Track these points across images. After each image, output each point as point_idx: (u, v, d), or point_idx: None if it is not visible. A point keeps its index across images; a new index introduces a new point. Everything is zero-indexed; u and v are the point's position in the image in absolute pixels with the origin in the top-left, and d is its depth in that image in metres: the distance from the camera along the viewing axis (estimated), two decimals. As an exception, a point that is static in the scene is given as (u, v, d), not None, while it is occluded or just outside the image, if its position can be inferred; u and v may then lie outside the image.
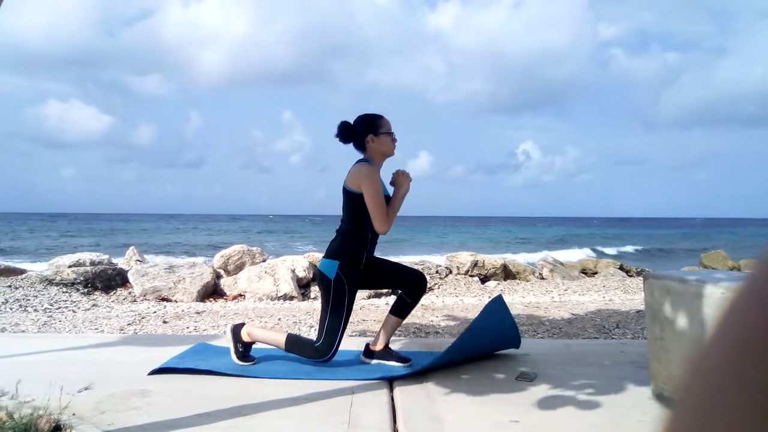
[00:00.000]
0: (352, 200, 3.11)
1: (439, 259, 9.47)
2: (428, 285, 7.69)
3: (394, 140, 3.20)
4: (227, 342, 3.32)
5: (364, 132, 3.15)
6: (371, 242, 3.18)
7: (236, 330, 3.29)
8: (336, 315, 3.12)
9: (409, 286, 3.29)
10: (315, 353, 3.15)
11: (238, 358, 3.23)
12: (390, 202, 3.15)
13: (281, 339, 3.22)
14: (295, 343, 3.22)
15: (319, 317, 3.24)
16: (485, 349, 3.46)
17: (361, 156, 3.20)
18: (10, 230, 34.63)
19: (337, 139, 3.20)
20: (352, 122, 3.21)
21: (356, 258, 3.15)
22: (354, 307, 5.13)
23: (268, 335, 3.28)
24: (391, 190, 3.22)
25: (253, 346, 3.31)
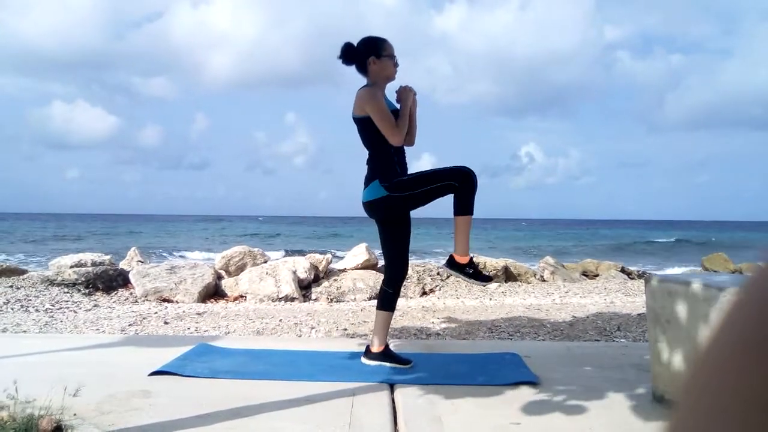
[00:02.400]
0: (363, 126, 3.17)
1: (440, 261, 9.45)
2: (429, 287, 7.69)
3: (395, 64, 3.26)
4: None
5: (367, 54, 3.20)
6: (397, 156, 3.21)
7: (451, 260, 3.25)
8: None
9: (390, 273, 3.32)
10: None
11: (474, 276, 3.21)
12: (398, 116, 3.19)
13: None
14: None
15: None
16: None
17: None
18: (12, 230, 34.67)
19: (340, 60, 3.24)
20: (355, 44, 3.24)
21: (390, 170, 3.17)
22: (351, 307, 5.13)
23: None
24: (399, 107, 3.26)
25: (247, 345, 3.30)
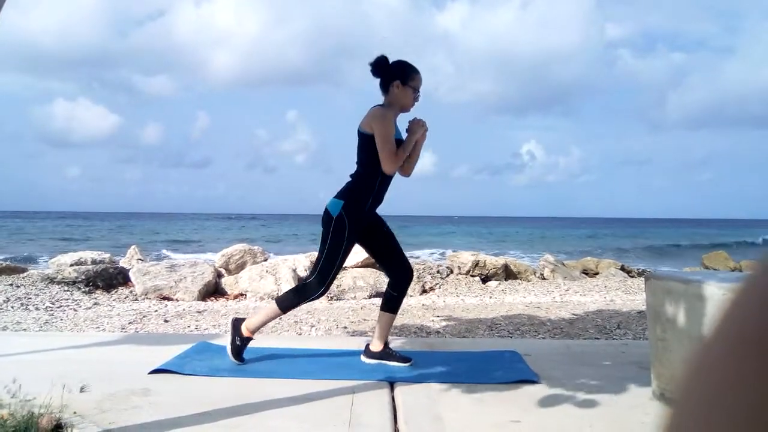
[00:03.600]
0: (365, 142, 3.16)
1: (439, 259, 9.46)
2: (429, 285, 7.69)
3: (416, 98, 3.25)
4: (228, 335, 3.31)
5: (395, 76, 3.20)
6: (380, 186, 3.20)
7: (237, 323, 3.29)
8: (331, 255, 3.14)
9: (395, 275, 3.33)
10: (305, 291, 3.18)
11: (233, 352, 3.22)
12: (401, 144, 3.18)
13: (273, 308, 3.23)
14: (286, 299, 3.24)
15: (316, 255, 3.26)
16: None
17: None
18: (13, 228, 34.69)
19: (370, 68, 3.24)
20: (390, 62, 3.24)
21: (362, 200, 3.18)
22: (351, 305, 5.14)
23: (260, 316, 3.28)
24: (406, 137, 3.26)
25: (256, 341, 3.31)
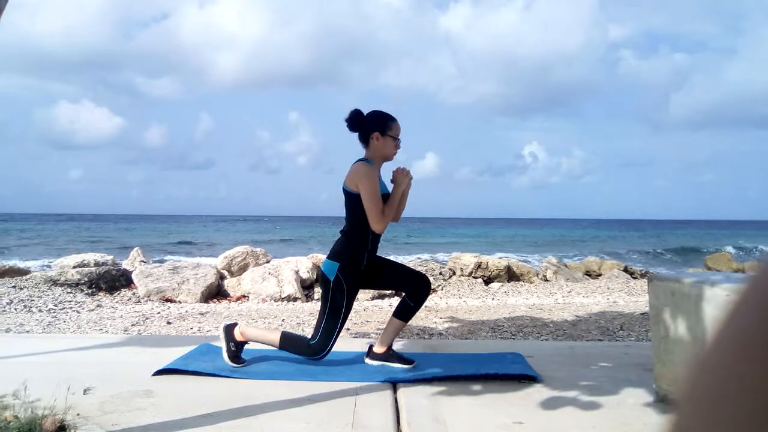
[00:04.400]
0: (351, 200, 3.11)
1: (442, 261, 9.46)
2: (432, 286, 7.69)
3: (397, 146, 3.19)
4: (220, 342, 3.31)
5: (372, 128, 3.15)
6: (372, 242, 3.18)
7: (229, 329, 3.28)
8: (333, 316, 3.12)
9: (412, 289, 3.28)
10: (309, 351, 3.15)
11: (229, 357, 3.21)
12: (388, 200, 3.14)
13: (275, 337, 3.21)
14: (289, 341, 3.22)
15: (317, 317, 3.23)
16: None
17: (362, 154, 3.20)
18: (16, 231, 34.77)
19: (346, 124, 3.20)
20: (365, 113, 3.20)
21: (357, 259, 3.15)
22: (354, 307, 5.11)
23: (261, 334, 3.28)
24: (391, 188, 3.21)
25: (248, 346, 3.30)
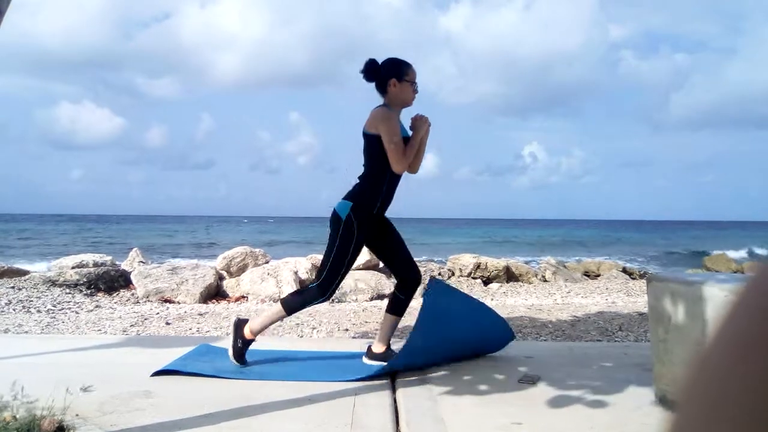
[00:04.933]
0: (371, 144, 3.15)
1: (441, 261, 9.46)
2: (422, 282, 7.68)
3: (415, 90, 3.24)
4: (229, 337, 3.31)
5: (389, 75, 3.18)
6: (388, 186, 3.20)
7: (240, 324, 3.28)
8: (340, 256, 3.14)
9: (403, 278, 3.31)
10: (315, 293, 3.17)
11: (234, 354, 3.21)
12: (408, 143, 3.17)
13: (278, 309, 3.22)
14: (292, 302, 3.23)
15: (322, 258, 3.25)
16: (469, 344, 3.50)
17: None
18: (16, 231, 34.72)
19: (362, 75, 3.23)
20: (380, 63, 3.23)
21: (370, 201, 3.18)
22: (354, 307, 5.09)
23: (265, 318, 3.27)
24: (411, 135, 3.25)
25: (259, 343, 3.31)
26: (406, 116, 3.29)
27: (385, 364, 3.22)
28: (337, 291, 3.19)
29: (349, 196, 3.19)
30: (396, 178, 3.21)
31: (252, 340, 3.26)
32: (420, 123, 3.23)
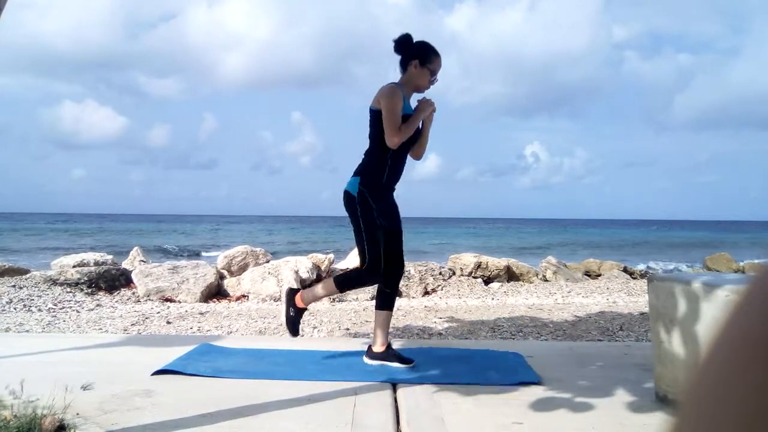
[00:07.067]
0: (374, 118, 3.18)
1: (442, 261, 9.45)
2: (431, 287, 7.68)
3: (432, 81, 3.27)
4: (283, 303, 3.36)
5: (415, 55, 3.23)
6: (393, 160, 3.21)
7: (291, 294, 3.33)
8: (372, 230, 3.14)
9: (386, 270, 3.23)
10: (367, 275, 3.20)
11: (287, 323, 3.26)
12: (408, 120, 3.19)
13: (330, 285, 3.25)
14: (345, 282, 3.28)
15: (357, 247, 3.27)
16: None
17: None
18: (17, 230, 34.75)
19: (393, 45, 3.27)
20: (414, 41, 3.27)
21: (377, 173, 3.19)
22: (354, 307, 5.05)
23: (317, 290, 3.30)
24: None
25: (247, 345, 3.31)
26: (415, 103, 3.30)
27: (386, 364, 3.21)
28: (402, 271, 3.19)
29: (356, 173, 3.22)
30: (400, 153, 3.22)
31: (305, 309, 3.30)
32: (425, 105, 3.26)
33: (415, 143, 3.30)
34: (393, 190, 3.30)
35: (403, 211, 3.32)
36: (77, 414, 2.39)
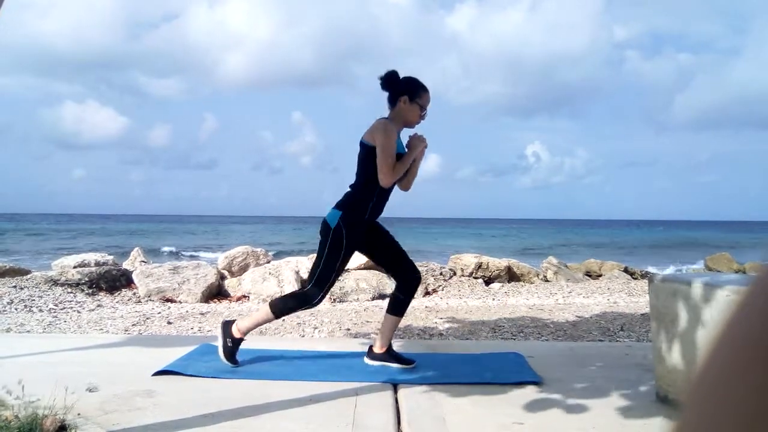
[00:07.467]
0: (366, 153, 3.17)
1: (443, 261, 9.45)
2: (432, 287, 7.68)
3: (422, 116, 3.26)
4: (220, 336, 3.29)
5: (403, 91, 3.22)
6: (378, 197, 3.20)
7: (227, 326, 3.28)
8: (329, 264, 3.14)
9: (403, 279, 3.32)
10: (303, 298, 3.18)
11: (225, 354, 3.21)
12: (401, 159, 3.18)
13: (266, 311, 3.23)
14: (281, 304, 3.24)
15: (311, 266, 3.26)
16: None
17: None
18: (17, 230, 34.77)
19: (380, 82, 3.27)
20: (400, 77, 3.26)
21: (360, 210, 3.18)
22: (354, 307, 5.10)
23: (253, 318, 3.28)
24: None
25: (248, 345, 3.30)
26: (406, 136, 3.31)
27: (386, 365, 3.22)
28: (336, 290, 3.20)
29: (339, 206, 3.20)
30: (387, 190, 3.22)
31: (242, 339, 3.27)
32: (417, 142, 3.25)
33: (404, 178, 3.29)
34: (372, 222, 3.29)
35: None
36: (78, 414, 2.39)
